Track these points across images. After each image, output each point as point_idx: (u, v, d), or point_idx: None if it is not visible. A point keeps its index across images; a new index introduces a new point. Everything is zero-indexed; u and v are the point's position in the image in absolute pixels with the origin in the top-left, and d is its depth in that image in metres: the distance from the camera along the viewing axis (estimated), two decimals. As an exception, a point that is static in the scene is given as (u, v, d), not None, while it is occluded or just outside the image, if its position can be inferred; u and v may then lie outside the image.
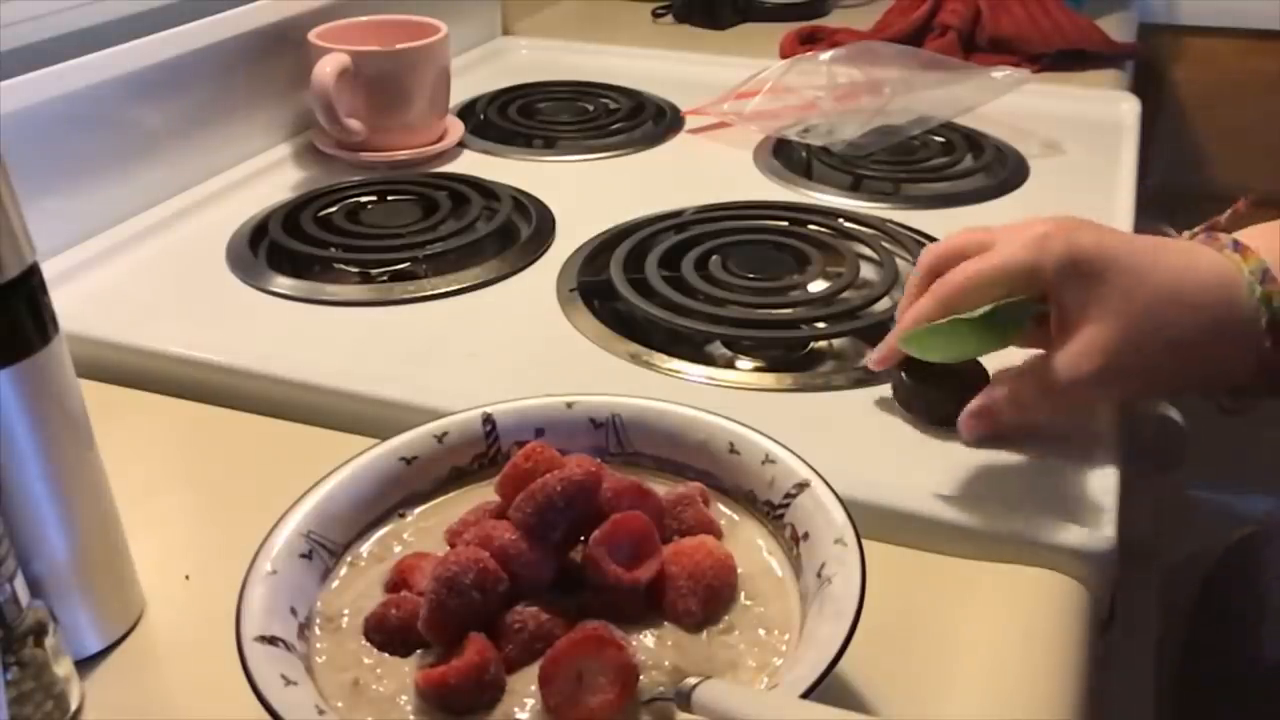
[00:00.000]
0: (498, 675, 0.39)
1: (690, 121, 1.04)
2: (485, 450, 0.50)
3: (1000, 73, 1.05)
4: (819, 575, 0.41)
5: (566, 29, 1.33)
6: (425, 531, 0.47)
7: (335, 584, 0.44)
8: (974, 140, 0.97)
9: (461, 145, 0.99)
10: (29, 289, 0.41)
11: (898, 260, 0.75)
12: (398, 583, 0.43)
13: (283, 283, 0.74)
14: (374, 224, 0.83)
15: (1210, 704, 0.69)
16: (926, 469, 0.55)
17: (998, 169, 0.93)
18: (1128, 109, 1.04)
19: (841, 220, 0.82)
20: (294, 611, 0.41)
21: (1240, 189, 0.56)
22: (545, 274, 0.76)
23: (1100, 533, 0.51)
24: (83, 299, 0.72)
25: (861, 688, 0.44)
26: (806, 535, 0.43)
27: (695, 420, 0.49)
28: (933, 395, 0.58)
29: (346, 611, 0.43)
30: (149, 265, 0.78)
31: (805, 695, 0.36)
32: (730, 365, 0.67)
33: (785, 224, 0.82)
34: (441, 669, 0.39)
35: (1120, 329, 0.52)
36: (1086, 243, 0.52)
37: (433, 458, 0.49)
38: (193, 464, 0.59)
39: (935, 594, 0.50)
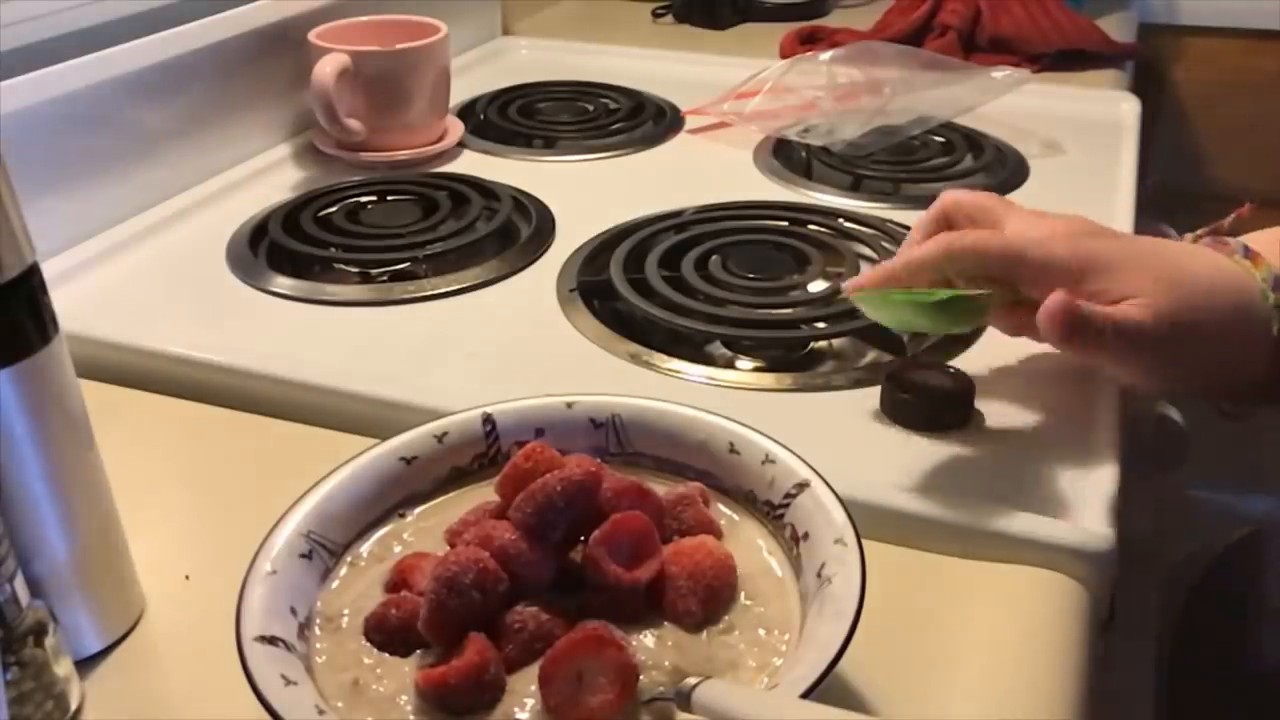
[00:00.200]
0: (498, 675, 0.39)
1: (690, 121, 1.04)
2: (485, 450, 0.50)
3: (1000, 73, 1.06)
4: (819, 575, 0.41)
5: (566, 29, 1.33)
6: (425, 531, 0.47)
7: (335, 584, 0.44)
8: (974, 140, 0.97)
9: (461, 145, 0.99)
10: (29, 289, 0.41)
11: (898, 260, 0.75)
12: (398, 583, 0.43)
13: (283, 283, 0.74)
14: (374, 224, 0.83)
15: (1210, 704, 0.69)
16: (926, 469, 0.55)
17: (998, 169, 0.93)
18: (1128, 109, 1.04)
19: (841, 220, 0.82)
20: (294, 611, 0.41)
21: (1240, 189, 0.56)
22: (545, 274, 0.76)
23: (1100, 532, 0.51)
24: (83, 299, 0.72)
25: (861, 688, 0.44)
26: (806, 535, 0.43)
27: (695, 420, 0.49)
28: (916, 406, 0.58)
29: (346, 611, 0.43)
30: (149, 265, 0.78)
31: (805, 695, 0.36)
32: (730, 365, 0.67)
33: (785, 224, 0.82)
34: (441, 669, 0.39)
35: (1167, 303, 0.53)
36: (1098, 246, 0.54)
37: (433, 458, 0.49)
38: (193, 464, 0.59)
39: (935, 594, 0.50)
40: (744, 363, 0.68)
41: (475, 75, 1.17)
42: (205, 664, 0.45)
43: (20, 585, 0.40)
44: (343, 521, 0.46)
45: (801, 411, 0.61)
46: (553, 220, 0.83)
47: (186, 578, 0.51)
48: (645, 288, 0.72)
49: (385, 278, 0.77)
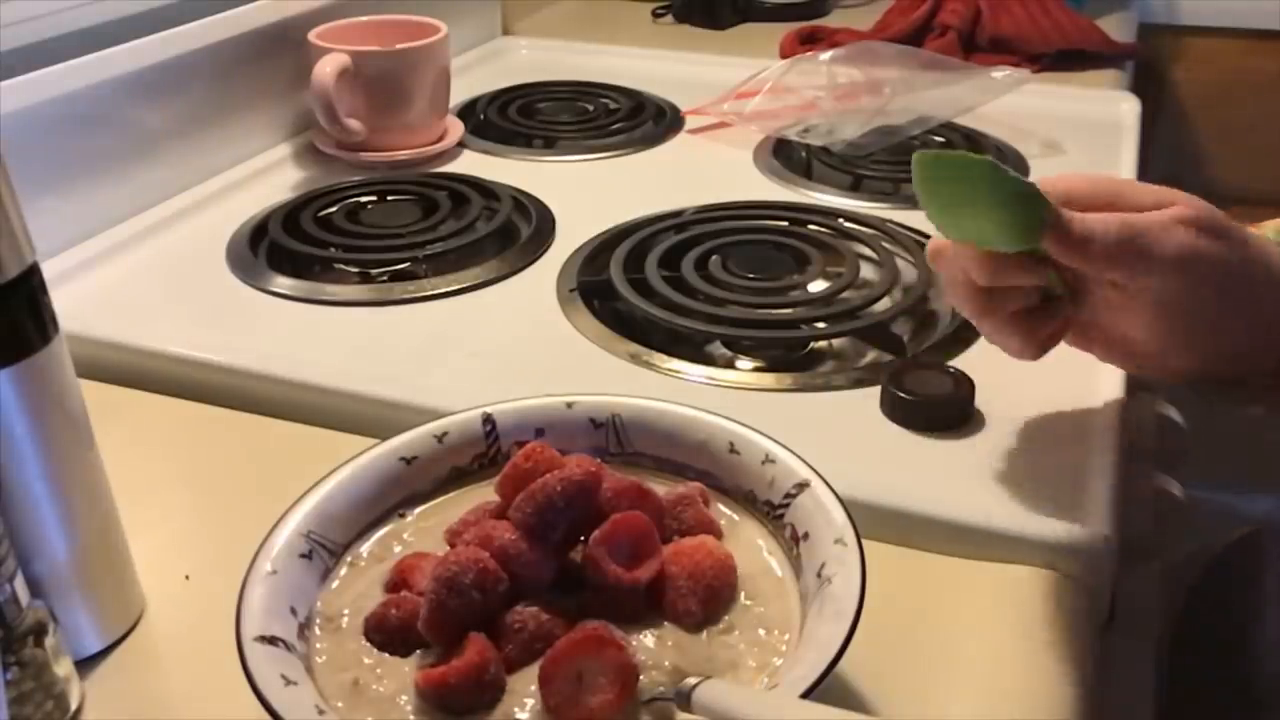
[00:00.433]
0: (498, 675, 0.39)
1: (690, 121, 1.04)
2: (485, 450, 0.50)
3: (1000, 73, 1.06)
4: (819, 575, 0.41)
5: (566, 29, 1.33)
6: (425, 531, 0.47)
7: (335, 584, 0.44)
8: (974, 140, 0.97)
9: (461, 145, 0.99)
10: (29, 289, 0.41)
11: (897, 260, 0.75)
12: (398, 583, 0.43)
13: (283, 283, 0.74)
14: (374, 224, 0.83)
15: (1211, 703, 0.69)
16: (926, 469, 0.55)
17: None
18: (1128, 109, 1.04)
19: (841, 220, 0.82)
20: (294, 611, 0.41)
21: (1241, 189, 0.56)
22: (545, 274, 0.76)
23: (1100, 533, 0.51)
24: (83, 299, 0.72)
25: (861, 688, 0.44)
26: (806, 535, 0.43)
27: (695, 420, 0.49)
28: (916, 406, 0.58)
29: (346, 611, 0.43)
30: (149, 265, 0.78)
31: (805, 695, 0.36)
32: (730, 365, 0.67)
33: (785, 224, 0.82)
34: (441, 669, 0.39)
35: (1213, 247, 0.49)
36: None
37: (433, 458, 0.49)
38: (193, 464, 0.59)
39: (935, 594, 0.50)
40: (744, 363, 0.68)
41: (475, 75, 1.17)
42: (205, 664, 0.45)
43: (20, 585, 0.41)
44: (343, 521, 0.46)
45: (801, 411, 0.61)
46: (553, 220, 0.83)
47: (186, 578, 0.51)
48: (645, 288, 0.72)
49: (385, 278, 0.77)
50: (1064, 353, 0.55)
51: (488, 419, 0.50)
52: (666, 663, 0.40)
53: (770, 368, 0.67)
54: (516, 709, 0.39)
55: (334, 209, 0.85)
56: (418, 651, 0.41)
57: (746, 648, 0.41)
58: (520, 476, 0.44)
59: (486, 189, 0.87)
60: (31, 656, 0.41)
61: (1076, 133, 0.99)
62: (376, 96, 0.92)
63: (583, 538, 0.43)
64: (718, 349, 0.69)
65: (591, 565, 0.41)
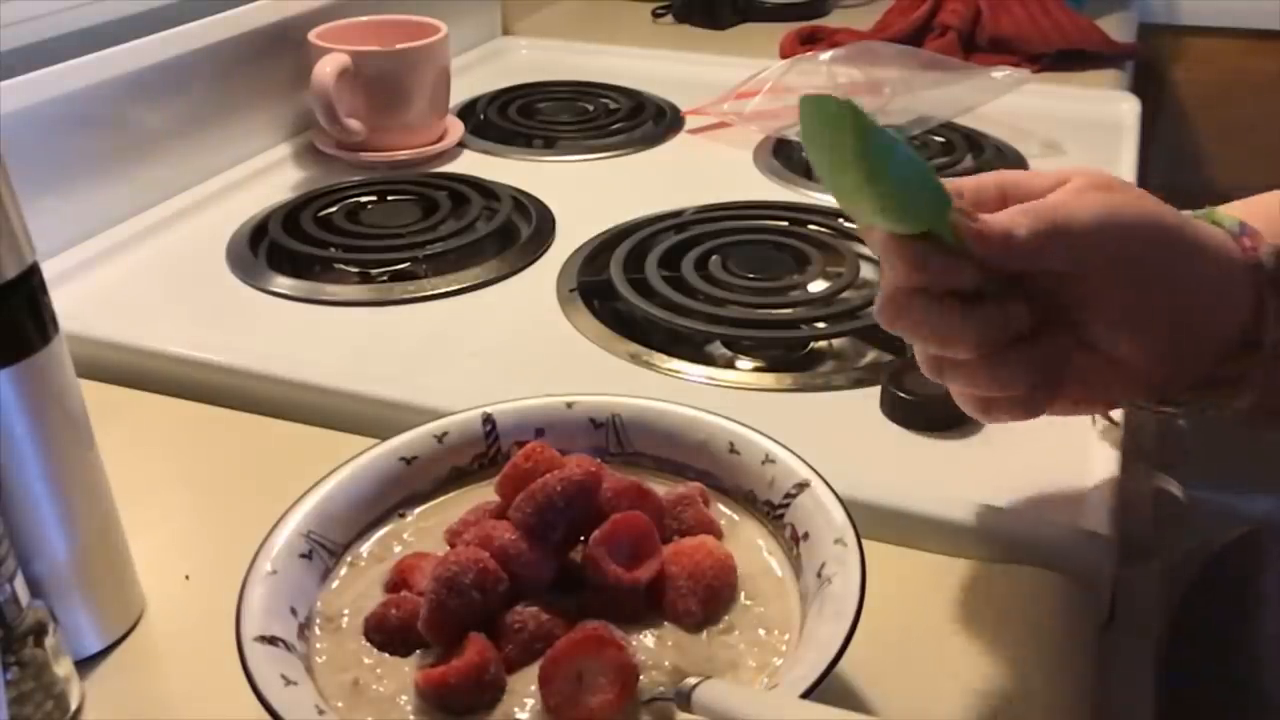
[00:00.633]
0: (498, 675, 0.39)
1: (690, 121, 1.04)
2: (485, 450, 0.50)
3: (1000, 73, 1.06)
4: (819, 575, 0.41)
5: (566, 29, 1.33)
6: (425, 531, 0.47)
7: (335, 584, 0.44)
8: (974, 140, 0.97)
9: (461, 145, 0.99)
10: (29, 289, 0.41)
11: (898, 260, 0.75)
12: (398, 583, 0.43)
13: (283, 283, 0.74)
14: (374, 224, 0.83)
15: (1210, 702, 0.69)
16: (926, 469, 0.55)
17: (998, 169, 0.92)
18: (1128, 109, 1.04)
19: (841, 220, 0.82)
20: (294, 611, 0.41)
21: (1240, 189, 0.55)
22: (545, 274, 0.76)
23: (1100, 533, 0.51)
24: (83, 299, 0.72)
25: (861, 688, 0.44)
26: (806, 535, 0.43)
27: (695, 420, 0.49)
28: (916, 406, 0.58)
29: (346, 611, 0.43)
30: (149, 265, 0.78)
31: (805, 695, 0.36)
32: (730, 365, 0.67)
33: (785, 224, 0.82)
34: (441, 669, 0.39)
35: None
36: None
37: (433, 458, 0.49)
38: (193, 464, 0.59)
39: (935, 594, 0.50)
40: (744, 363, 0.68)
41: (475, 75, 1.17)
42: (205, 664, 0.45)
43: (20, 585, 0.41)
44: (343, 521, 0.46)
45: (801, 411, 0.61)
46: (553, 220, 0.83)
47: (186, 578, 0.51)
48: (645, 288, 0.72)
49: (385, 278, 0.77)
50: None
51: (488, 419, 0.50)
52: (666, 663, 0.40)
53: (770, 368, 0.67)
54: (516, 709, 0.39)
55: (334, 209, 0.85)
56: (418, 651, 0.41)
57: (746, 648, 0.41)
58: (520, 476, 0.44)
59: (486, 189, 0.87)
60: (31, 656, 0.41)
61: (1076, 133, 0.99)
62: (376, 96, 0.92)
63: (583, 538, 0.43)
64: (718, 349, 0.69)
65: (591, 565, 0.41)
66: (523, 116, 1.05)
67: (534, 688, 0.39)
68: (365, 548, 0.46)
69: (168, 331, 0.67)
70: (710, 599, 0.42)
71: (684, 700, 0.37)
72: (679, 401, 0.50)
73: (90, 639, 0.46)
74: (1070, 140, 0.98)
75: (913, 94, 1.01)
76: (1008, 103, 1.02)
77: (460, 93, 1.07)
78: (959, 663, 0.46)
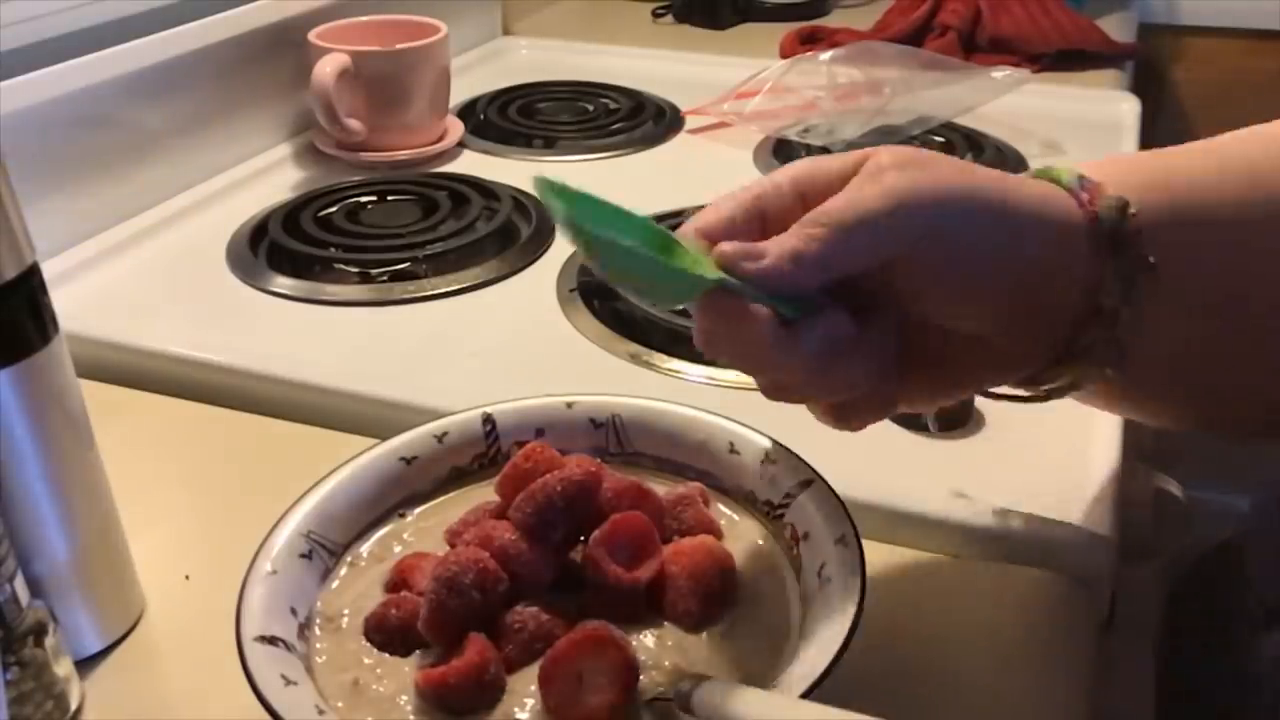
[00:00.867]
0: (498, 675, 0.39)
1: (690, 121, 1.04)
2: (485, 450, 0.50)
3: (1000, 73, 1.05)
4: (819, 575, 0.41)
5: (566, 29, 1.33)
6: (425, 531, 0.47)
7: (335, 584, 0.44)
8: (974, 140, 0.97)
9: (461, 145, 0.99)
10: (29, 289, 0.41)
11: (898, 260, 0.75)
12: (398, 583, 0.43)
13: (283, 283, 0.74)
14: (374, 224, 0.83)
15: (1211, 702, 0.69)
16: (927, 469, 0.55)
17: (997, 169, 0.92)
18: (1128, 109, 1.04)
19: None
20: (294, 611, 0.41)
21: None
22: (545, 274, 0.76)
23: (1100, 533, 0.51)
24: (83, 299, 0.72)
25: (861, 688, 0.44)
26: (806, 535, 0.43)
27: (695, 420, 0.49)
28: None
29: (346, 611, 0.43)
30: (149, 265, 0.78)
31: (805, 695, 0.36)
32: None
33: (785, 224, 0.82)
34: (441, 669, 0.39)
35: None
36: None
37: (433, 458, 0.49)
38: (193, 464, 0.59)
39: (935, 594, 0.50)
40: (744, 363, 0.68)
41: (475, 75, 1.17)
42: (205, 664, 0.45)
43: (20, 585, 0.41)
44: (343, 521, 0.46)
45: (801, 411, 0.61)
46: (553, 220, 0.83)
47: (186, 578, 0.51)
48: (645, 288, 0.72)
49: (385, 278, 0.77)
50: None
51: (488, 419, 0.50)
52: (666, 663, 0.40)
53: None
54: (516, 709, 0.39)
55: (334, 209, 0.85)
56: (418, 651, 0.41)
57: (746, 648, 0.41)
58: (520, 476, 0.44)
59: (486, 189, 0.87)
60: (31, 656, 0.41)
61: (1076, 133, 0.99)
62: (376, 96, 0.92)
63: (583, 538, 0.43)
64: (718, 349, 0.69)
65: (591, 565, 0.41)
66: (523, 116, 1.05)
67: (534, 688, 0.39)
68: (365, 548, 0.46)
69: (168, 331, 0.67)
70: (710, 599, 0.42)
71: (684, 700, 0.37)
72: (679, 401, 0.50)
73: (90, 639, 0.46)
74: (1070, 140, 0.98)
75: (913, 94, 1.01)
76: (1008, 103, 1.02)
77: (460, 93, 1.07)
78: (958, 663, 0.46)
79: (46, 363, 0.42)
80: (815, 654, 0.38)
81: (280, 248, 0.79)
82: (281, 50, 0.94)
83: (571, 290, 0.73)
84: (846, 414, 0.45)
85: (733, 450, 0.48)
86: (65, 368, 0.43)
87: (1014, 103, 1.02)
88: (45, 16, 0.78)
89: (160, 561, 0.51)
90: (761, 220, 0.43)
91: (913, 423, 0.58)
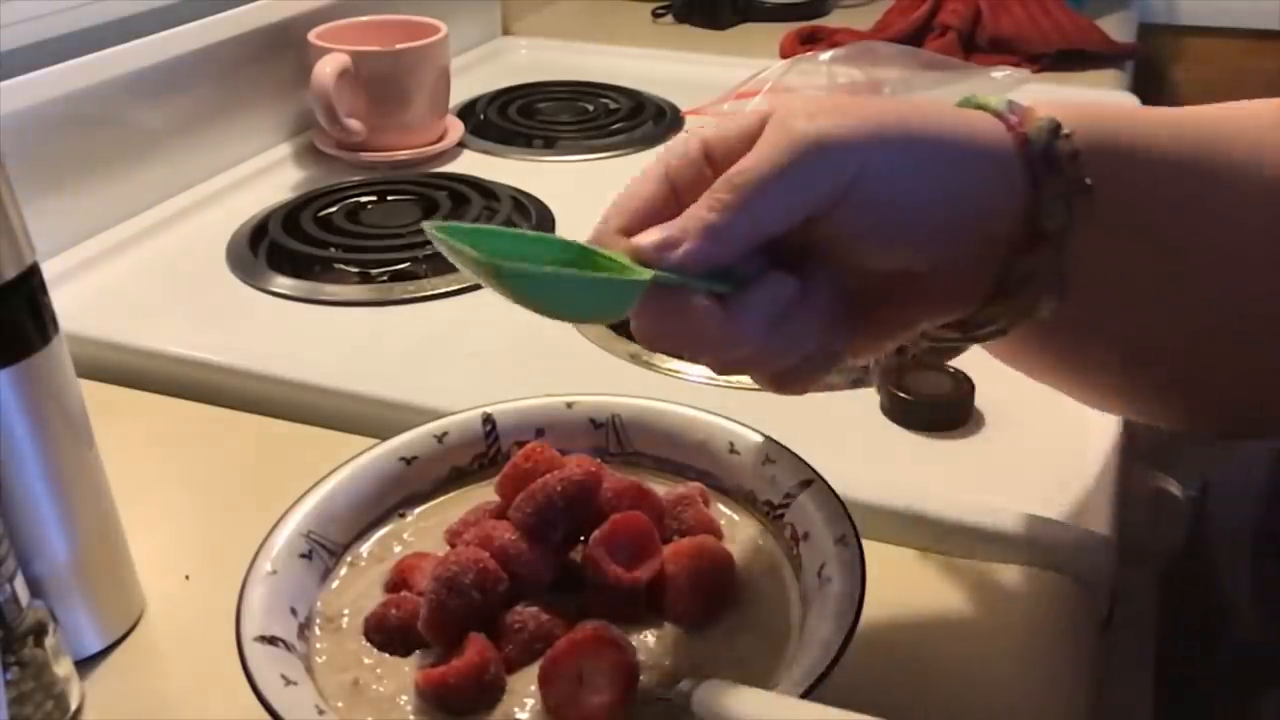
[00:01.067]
0: (498, 675, 0.39)
1: (690, 122, 1.04)
2: (485, 450, 0.50)
3: (1000, 73, 1.06)
4: (819, 575, 0.41)
5: (566, 29, 1.33)
6: (425, 531, 0.47)
7: (335, 584, 0.44)
8: (974, 140, 0.97)
9: (461, 145, 0.99)
10: (29, 289, 0.41)
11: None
12: (398, 583, 0.43)
13: (283, 283, 0.74)
14: (374, 224, 0.83)
15: (1210, 701, 0.69)
16: (926, 469, 0.55)
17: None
18: (1128, 109, 1.04)
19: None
20: (294, 611, 0.41)
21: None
22: (545, 274, 0.75)
23: (1099, 532, 0.51)
24: (83, 299, 0.72)
25: (861, 688, 0.44)
26: (806, 535, 0.43)
27: (695, 420, 0.49)
28: (916, 406, 0.58)
29: (346, 611, 0.43)
30: (149, 265, 0.78)
31: (805, 695, 0.36)
32: (730, 365, 0.67)
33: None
34: (441, 669, 0.39)
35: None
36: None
37: (433, 458, 0.49)
38: (193, 464, 0.59)
39: (935, 594, 0.50)
40: (744, 363, 0.68)
41: (475, 75, 1.17)
42: (205, 664, 0.45)
43: (20, 585, 0.40)
44: (343, 521, 0.46)
45: (801, 411, 0.61)
46: (553, 220, 0.83)
47: (186, 578, 0.51)
48: (645, 288, 0.72)
49: (385, 278, 0.77)
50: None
51: (488, 419, 0.50)
52: (666, 663, 0.40)
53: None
54: (516, 709, 0.39)
55: (334, 209, 0.85)
56: (418, 651, 0.41)
57: (747, 648, 0.41)
58: (520, 476, 0.44)
59: (486, 189, 0.87)
60: (31, 656, 0.41)
61: (1076, 133, 0.99)
62: (376, 96, 0.92)
63: (583, 538, 0.43)
64: (718, 349, 0.69)
65: (591, 565, 0.41)
66: (523, 116, 1.05)
67: (534, 688, 0.39)
68: (365, 548, 0.46)
69: (168, 331, 0.67)
70: (710, 599, 0.42)
71: (684, 700, 0.37)
72: (679, 401, 0.50)
73: (90, 639, 0.46)
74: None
75: (913, 94, 1.01)
76: (1008, 103, 1.02)
77: (460, 93, 1.07)
78: (959, 663, 0.46)
79: (46, 363, 0.42)
80: (815, 654, 0.38)
81: (280, 248, 0.79)
82: (281, 50, 0.94)
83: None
84: (791, 378, 0.43)
85: (733, 450, 0.48)
86: (65, 368, 0.43)
87: (1014, 103, 1.02)
88: (45, 16, 0.78)
89: (160, 561, 0.51)
90: (674, 195, 0.41)
91: (913, 423, 0.58)
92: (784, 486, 0.45)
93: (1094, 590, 0.50)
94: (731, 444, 0.48)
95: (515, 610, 0.40)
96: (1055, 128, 0.40)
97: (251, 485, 0.57)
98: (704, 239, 0.37)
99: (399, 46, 0.92)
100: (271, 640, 0.39)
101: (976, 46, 1.19)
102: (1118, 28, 1.24)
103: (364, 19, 0.97)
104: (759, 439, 0.47)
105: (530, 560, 0.41)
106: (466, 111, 1.06)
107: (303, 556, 0.43)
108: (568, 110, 1.08)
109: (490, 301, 0.73)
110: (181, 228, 0.83)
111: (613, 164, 0.96)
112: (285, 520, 0.44)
